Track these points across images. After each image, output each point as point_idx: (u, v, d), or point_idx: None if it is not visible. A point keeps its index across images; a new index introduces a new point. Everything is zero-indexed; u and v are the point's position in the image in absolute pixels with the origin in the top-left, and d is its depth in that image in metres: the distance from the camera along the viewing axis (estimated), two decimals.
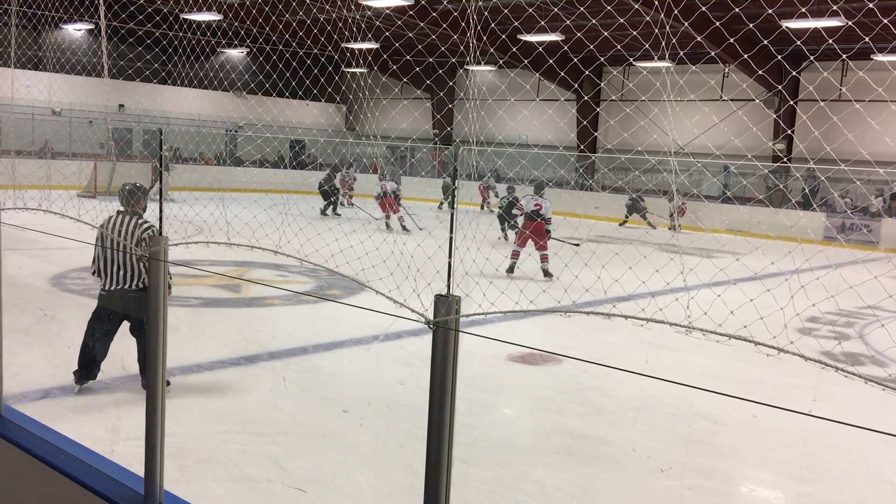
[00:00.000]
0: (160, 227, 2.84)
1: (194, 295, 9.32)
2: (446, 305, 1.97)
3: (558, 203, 23.40)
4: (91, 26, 20.11)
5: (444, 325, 1.96)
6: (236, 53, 29.74)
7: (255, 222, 3.38)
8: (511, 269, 11.55)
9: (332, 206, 20.14)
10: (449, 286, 2.03)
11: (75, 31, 26.58)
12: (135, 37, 19.98)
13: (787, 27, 15.37)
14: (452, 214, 2.06)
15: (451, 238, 2.02)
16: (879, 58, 16.75)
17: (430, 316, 2.01)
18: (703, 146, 23.15)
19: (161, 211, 2.80)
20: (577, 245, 12.33)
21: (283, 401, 5.76)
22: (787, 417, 5.64)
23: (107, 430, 5.05)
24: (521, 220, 12.24)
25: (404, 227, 17.46)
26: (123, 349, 6.60)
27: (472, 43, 2.11)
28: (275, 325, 8.20)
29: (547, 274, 11.62)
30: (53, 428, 3.54)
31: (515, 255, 11.95)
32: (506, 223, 16.45)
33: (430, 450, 2.05)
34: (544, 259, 11.77)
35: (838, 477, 5.04)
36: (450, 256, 2.03)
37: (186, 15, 17.46)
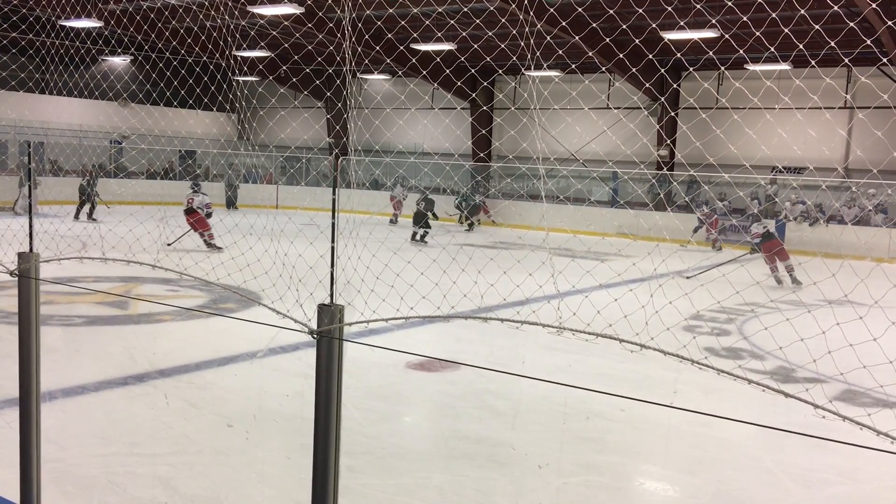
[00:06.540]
0: (30, 243, 2.70)
1: (77, 313, 8.90)
2: (329, 315, 1.96)
3: (444, 211, 23.67)
4: None
5: (328, 334, 1.95)
6: (119, 61, 28.57)
7: (130, 236, 3.26)
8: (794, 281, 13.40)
9: (89, 209, 19.81)
10: (332, 295, 2.01)
11: None
12: (0, 44, 18.93)
13: (668, 39, 16.08)
14: (334, 224, 2.05)
15: (332, 248, 2.01)
16: (753, 67, 17.73)
17: (314, 326, 1.99)
18: (595, 153, 23.91)
19: (31, 227, 2.67)
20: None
21: (174, 419, 5.58)
22: (674, 411, 5.89)
23: None
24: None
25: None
26: None
27: (348, 53, 2.11)
28: (165, 342, 7.92)
29: (795, 281, 13.37)
30: None
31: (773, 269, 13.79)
32: (421, 224, 17.02)
33: (316, 461, 2.03)
34: (790, 269, 13.55)
35: (722, 467, 5.28)
36: (332, 266, 2.02)
37: (64, 21, 16.70)
